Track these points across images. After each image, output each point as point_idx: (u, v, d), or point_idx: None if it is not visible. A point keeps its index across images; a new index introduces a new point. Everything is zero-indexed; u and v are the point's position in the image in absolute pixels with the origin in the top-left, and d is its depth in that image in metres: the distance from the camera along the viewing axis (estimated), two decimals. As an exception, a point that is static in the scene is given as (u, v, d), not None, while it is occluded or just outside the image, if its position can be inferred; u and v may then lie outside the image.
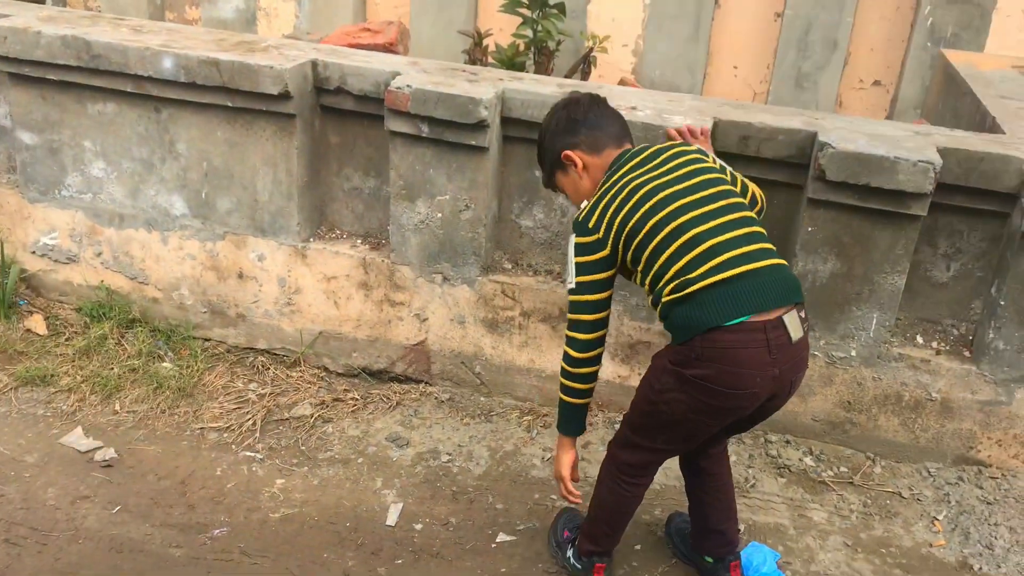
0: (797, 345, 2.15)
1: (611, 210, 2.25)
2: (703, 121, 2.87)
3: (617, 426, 3.14)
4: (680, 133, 2.76)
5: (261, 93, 3.08)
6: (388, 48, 3.61)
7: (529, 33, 5.26)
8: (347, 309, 3.40)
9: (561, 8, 5.26)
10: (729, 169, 2.46)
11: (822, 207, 2.83)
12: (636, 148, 2.40)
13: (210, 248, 3.42)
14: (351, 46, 3.62)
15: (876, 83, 5.92)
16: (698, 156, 2.35)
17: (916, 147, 2.74)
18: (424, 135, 3.06)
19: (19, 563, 2.57)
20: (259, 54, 3.16)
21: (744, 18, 5.96)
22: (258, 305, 3.48)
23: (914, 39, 5.58)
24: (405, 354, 3.42)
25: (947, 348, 3.01)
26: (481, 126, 2.98)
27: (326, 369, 3.50)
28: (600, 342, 2.36)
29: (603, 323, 2.35)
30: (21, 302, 3.62)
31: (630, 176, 2.29)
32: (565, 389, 2.42)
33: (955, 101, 3.87)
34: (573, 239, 2.33)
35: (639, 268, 2.25)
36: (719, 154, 2.91)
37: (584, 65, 5.63)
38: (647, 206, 2.21)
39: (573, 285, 2.33)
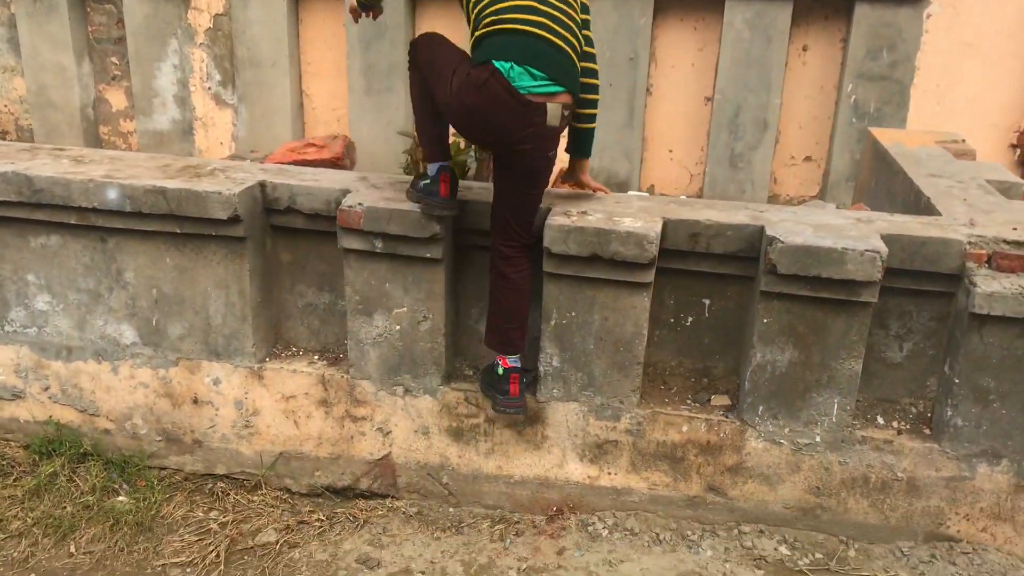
0: (551, 127, 2.73)
1: None
2: (653, 222, 2.93)
3: (589, 528, 3.12)
4: None
5: (210, 218, 3.06)
6: (335, 162, 3.64)
7: (469, 131, 5.33)
8: (307, 428, 3.34)
9: (498, 105, 5.34)
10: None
11: (776, 299, 2.89)
12: None
13: (163, 375, 3.35)
14: (297, 162, 3.64)
15: (807, 159, 6.13)
16: None
17: (861, 236, 2.83)
18: (378, 251, 3.06)
19: None
20: (206, 179, 3.15)
21: (676, 103, 6.15)
22: (215, 430, 3.39)
23: (840, 115, 5.82)
24: (369, 469, 3.36)
25: (907, 427, 3.06)
26: (435, 239, 3.00)
27: (288, 491, 3.42)
28: None
29: None
30: (-36, 444, 3.48)
31: None
32: None
33: (888, 180, 4.01)
34: None
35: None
36: (668, 252, 2.98)
37: (524, 158, 5.72)
38: None
39: None
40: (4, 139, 7.10)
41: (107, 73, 6.84)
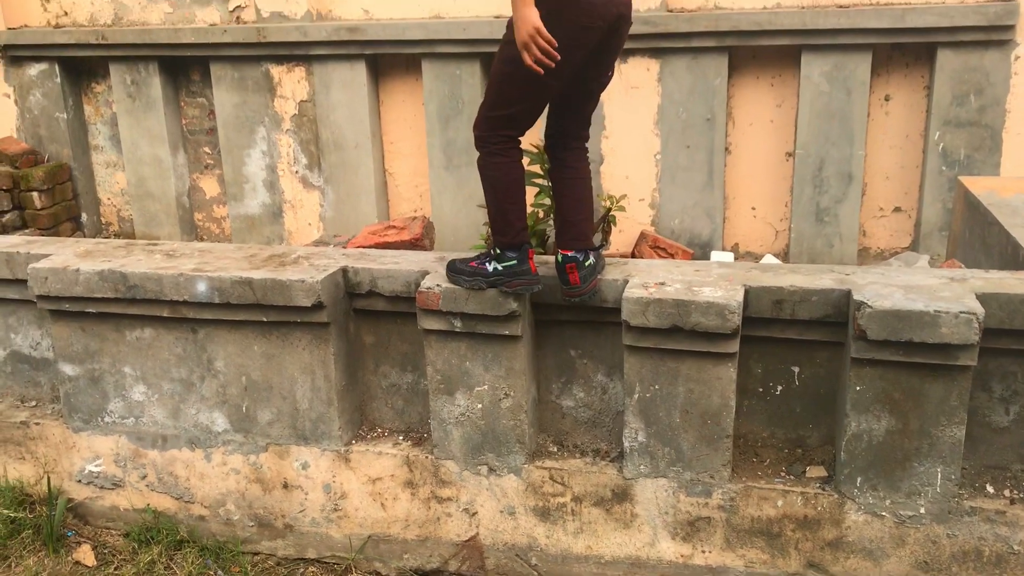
0: None
1: None
2: (734, 291, 2.87)
3: None
4: None
5: (295, 306, 3.13)
6: (415, 243, 3.70)
7: (547, 201, 5.37)
8: (394, 510, 3.34)
9: (576, 173, 5.36)
10: None
11: (868, 365, 2.77)
12: None
13: (253, 461, 3.41)
14: (378, 245, 3.71)
15: (897, 209, 5.95)
16: None
17: (954, 296, 2.71)
18: (457, 330, 3.07)
19: None
20: (290, 268, 3.23)
21: (756, 161, 6.08)
22: (305, 514, 3.42)
23: (928, 164, 5.65)
24: (457, 551, 3.33)
25: (1021, 496, 2.87)
26: (513, 316, 3.00)
27: (378, 574, 3.41)
28: None
29: None
30: (69, 533, 3.59)
31: None
32: None
33: (982, 231, 3.85)
34: None
35: None
36: (752, 319, 2.91)
37: (604, 224, 5.72)
38: None
39: None
40: (107, 230, 7.47)
41: (200, 162, 7.15)
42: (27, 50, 6.90)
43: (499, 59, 2.86)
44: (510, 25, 2.73)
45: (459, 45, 6.16)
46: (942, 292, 2.75)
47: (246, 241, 6.97)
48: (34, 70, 6.99)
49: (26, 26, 6.98)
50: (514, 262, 2.96)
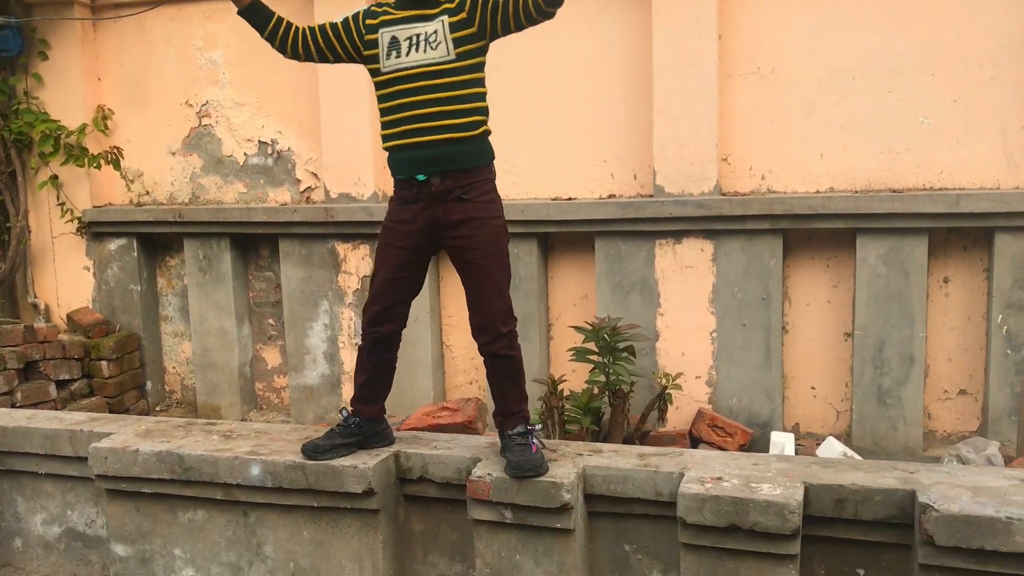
0: None
1: None
2: (793, 488, 2.79)
3: None
4: None
5: (346, 492, 3.12)
6: (467, 426, 3.70)
7: (602, 378, 5.36)
8: None
9: (631, 351, 5.39)
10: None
11: (937, 572, 2.64)
12: None
13: (297, 651, 3.31)
14: (431, 427, 3.72)
15: (962, 392, 5.79)
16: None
17: (1026, 500, 2.59)
18: (508, 521, 3.02)
19: None
20: (343, 452, 3.24)
21: (814, 340, 6.02)
22: None
23: (992, 347, 5.53)
24: None
25: None
26: (565, 509, 2.94)
27: None
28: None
29: None
30: None
31: None
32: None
33: (1053, 423, 3.72)
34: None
35: None
36: (813, 518, 2.80)
37: (660, 403, 5.68)
38: None
39: None
40: (170, 398, 7.62)
41: (264, 334, 7.34)
42: (109, 227, 7.29)
43: (501, 245, 3.31)
44: (497, 212, 3.31)
45: (518, 226, 6.32)
46: (1013, 496, 2.64)
47: (303, 411, 7.04)
48: (114, 245, 7.36)
49: (110, 204, 7.40)
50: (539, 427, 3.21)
